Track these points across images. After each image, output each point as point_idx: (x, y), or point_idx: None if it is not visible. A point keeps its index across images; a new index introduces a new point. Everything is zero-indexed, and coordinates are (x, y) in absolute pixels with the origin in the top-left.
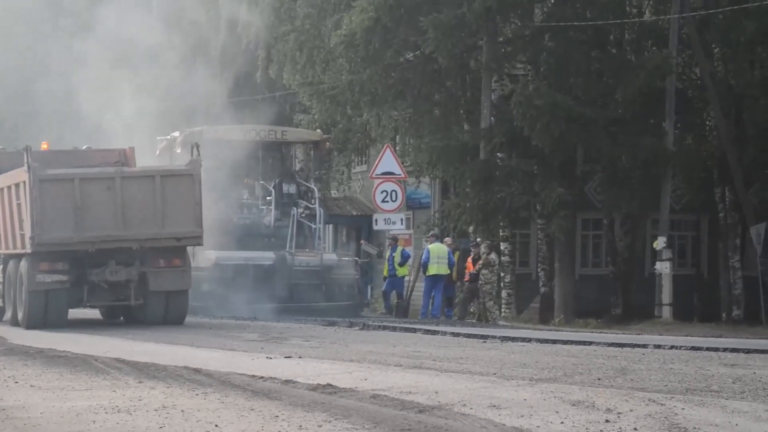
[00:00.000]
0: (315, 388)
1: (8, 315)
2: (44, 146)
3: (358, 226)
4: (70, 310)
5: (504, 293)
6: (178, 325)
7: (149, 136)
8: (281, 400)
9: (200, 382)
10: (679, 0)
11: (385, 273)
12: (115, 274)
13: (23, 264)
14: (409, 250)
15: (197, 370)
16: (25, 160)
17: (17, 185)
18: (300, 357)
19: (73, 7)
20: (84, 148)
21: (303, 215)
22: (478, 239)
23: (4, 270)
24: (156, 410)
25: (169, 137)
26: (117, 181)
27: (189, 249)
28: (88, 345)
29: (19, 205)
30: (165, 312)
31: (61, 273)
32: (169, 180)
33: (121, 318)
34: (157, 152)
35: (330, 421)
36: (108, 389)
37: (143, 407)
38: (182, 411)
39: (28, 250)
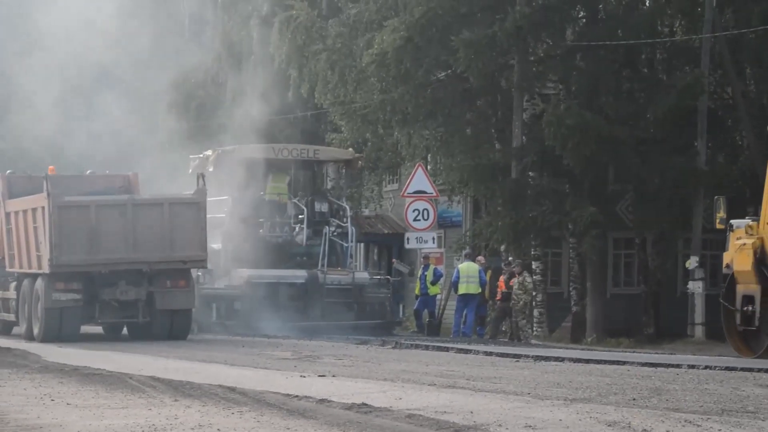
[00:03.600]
0: (350, 407)
1: (23, 329)
2: (51, 170)
3: (389, 244)
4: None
5: (536, 312)
6: (206, 343)
7: (182, 155)
8: (317, 419)
9: (235, 401)
10: (710, 19)
11: (417, 291)
12: (125, 294)
13: (39, 282)
14: (441, 268)
15: (232, 389)
16: (45, 187)
17: (35, 209)
18: (333, 376)
19: (104, 26)
20: (88, 172)
21: (335, 234)
22: (510, 258)
23: (18, 287)
24: (192, 429)
25: (201, 156)
26: (129, 207)
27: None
28: (122, 363)
29: (36, 228)
30: (170, 329)
31: (75, 292)
32: (177, 207)
33: (124, 331)
34: (190, 170)
35: None
36: (144, 407)
37: (180, 426)
38: (218, 430)
39: (46, 270)
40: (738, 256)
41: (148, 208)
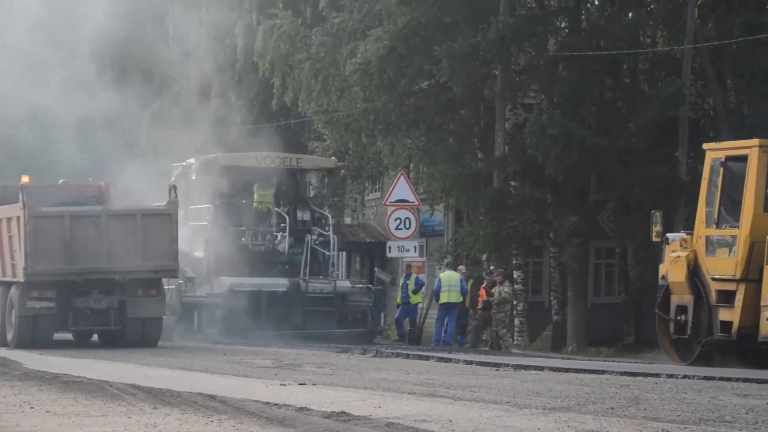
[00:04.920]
0: (329, 415)
1: None
2: (25, 180)
3: (371, 253)
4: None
5: (516, 321)
6: (187, 351)
7: (166, 163)
8: (296, 428)
9: (215, 409)
10: (692, 30)
11: (399, 300)
12: (98, 302)
13: (14, 291)
14: (423, 277)
15: (212, 397)
16: (21, 198)
17: (9, 219)
18: (314, 384)
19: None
20: (60, 182)
21: (317, 242)
22: (492, 267)
23: None
24: None
25: (184, 164)
26: (103, 218)
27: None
28: (103, 370)
29: (11, 237)
30: (141, 337)
31: (49, 300)
32: (150, 218)
33: (93, 338)
34: (173, 178)
35: None
36: (123, 415)
37: None
38: None
39: (21, 279)
40: (672, 268)
41: (121, 219)
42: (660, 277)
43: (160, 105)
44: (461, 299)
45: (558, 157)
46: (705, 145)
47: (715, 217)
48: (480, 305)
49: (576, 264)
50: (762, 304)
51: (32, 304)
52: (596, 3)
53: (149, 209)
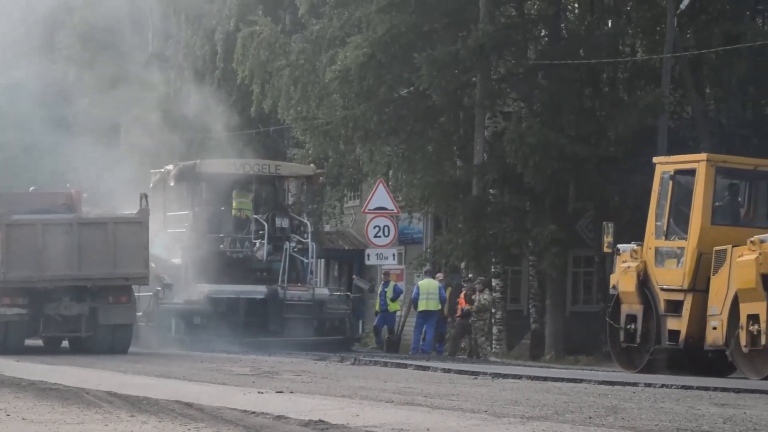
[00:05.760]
0: (307, 424)
1: None
2: None
3: (350, 260)
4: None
5: (495, 329)
6: (165, 358)
7: (143, 170)
8: None
9: (192, 417)
10: (671, 39)
11: (377, 308)
12: (69, 309)
13: None
14: (401, 285)
15: (189, 405)
16: None
17: None
18: (291, 392)
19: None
20: (31, 189)
21: (295, 249)
22: (470, 275)
23: None
24: None
25: (162, 170)
26: (75, 226)
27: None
28: (80, 377)
29: None
30: (111, 343)
31: (20, 307)
32: (121, 226)
33: (64, 344)
34: (151, 185)
35: None
36: (100, 423)
37: None
38: None
39: None
40: (623, 278)
41: (92, 227)
42: (611, 287)
43: (137, 111)
44: (440, 307)
45: (537, 166)
46: (655, 159)
47: (664, 229)
48: (459, 313)
49: (554, 272)
50: (708, 313)
51: (4, 310)
52: (576, 12)
53: (120, 217)
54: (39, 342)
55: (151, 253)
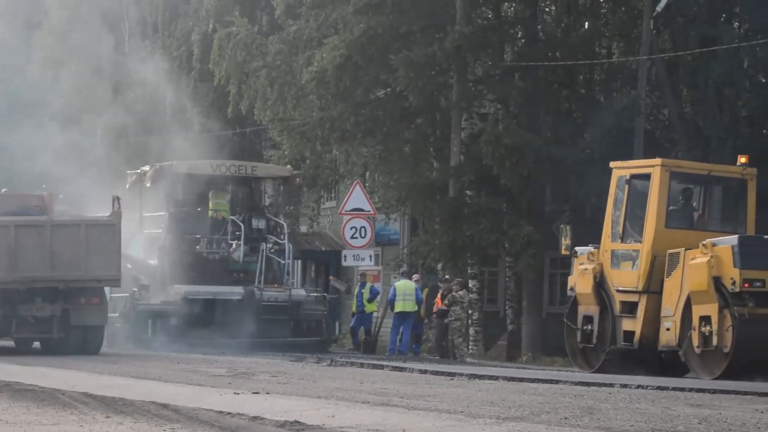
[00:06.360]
0: (283, 424)
1: None
2: None
3: (326, 261)
4: None
5: (472, 330)
6: (141, 359)
7: (120, 170)
8: None
9: (168, 418)
10: (648, 42)
11: (354, 309)
12: (42, 310)
13: None
14: (378, 286)
15: (165, 406)
16: None
17: None
18: (268, 393)
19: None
20: (2, 191)
21: (272, 250)
22: (447, 276)
23: None
24: None
25: (139, 171)
26: (47, 228)
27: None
28: (56, 379)
29: None
30: (83, 344)
31: None
32: (93, 228)
33: (35, 345)
34: (127, 186)
35: None
36: (75, 424)
37: None
38: None
39: None
40: (580, 280)
41: (65, 229)
42: (569, 288)
43: (114, 112)
44: (416, 308)
45: (513, 167)
46: (612, 164)
47: (620, 231)
48: (435, 309)
49: (531, 274)
50: (662, 315)
51: None
52: (552, 14)
53: (93, 220)
54: (11, 343)
55: (128, 254)
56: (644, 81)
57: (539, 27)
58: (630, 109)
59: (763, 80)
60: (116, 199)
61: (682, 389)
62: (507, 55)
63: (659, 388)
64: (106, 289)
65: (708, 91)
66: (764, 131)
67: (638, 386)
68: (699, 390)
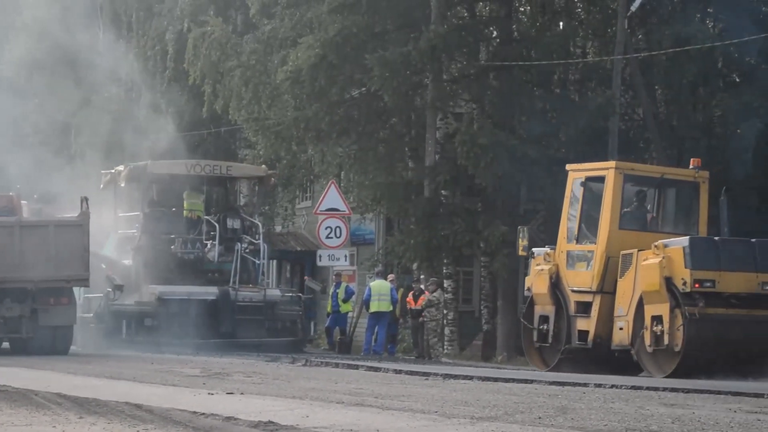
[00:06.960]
0: (256, 425)
1: None
2: None
3: (302, 261)
4: None
5: (447, 330)
6: (115, 360)
7: (94, 170)
8: None
9: (141, 418)
10: (622, 41)
11: (329, 309)
12: (10, 310)
13: None
14: (353, 286)
15: (138, 406)
16: None
17: None
18: (242, 393)
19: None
20: None
21: (247, 250)
22: (422, 276)
23: None
24: None
25: (113, 171)
26: (16, 228)
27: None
28: (29, 379)
29: None
30: (52, 344)
31: None
32: (62, 229)
33: (3, 345)
34: (102, 186)
35: None
36: (48, 425)
37: None
38: None
39: None
40: (536, 280)
41: (33, 230)
42: (526, 288)
43: (88, 112)
44: (391, 308)
45: (488, 167)
46: (568, 166)
47: (576, 233)
48: (411, 305)
49: (506, 273)
50: (615, 314)
51: None
52: (527, 13)
53: (61, 220)
54: None
55: (102, 254)
56: (618, 81)
57: (514, 27)
58: (604, 109)
59: (738, 80)
60: (84, 200)
61: (656, 389)
62: (482, 54)
63: (633, 387)
64: (82, 290)
65: (682, 90)
66: (738, 131)
67: (612, 386)
68: (673, 389)
